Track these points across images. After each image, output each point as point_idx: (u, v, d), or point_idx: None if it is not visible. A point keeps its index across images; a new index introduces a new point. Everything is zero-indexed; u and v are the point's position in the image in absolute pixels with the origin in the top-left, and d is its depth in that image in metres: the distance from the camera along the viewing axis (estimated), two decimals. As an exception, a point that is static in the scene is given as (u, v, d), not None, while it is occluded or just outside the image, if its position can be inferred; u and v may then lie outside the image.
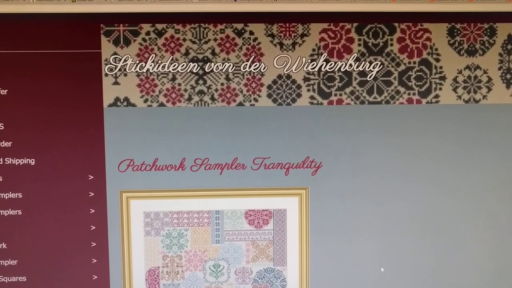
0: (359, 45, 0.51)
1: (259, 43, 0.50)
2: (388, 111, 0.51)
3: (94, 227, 0.52)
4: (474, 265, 0.54)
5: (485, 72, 0.51)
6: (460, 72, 0.51)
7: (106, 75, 0.50)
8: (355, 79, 0.51)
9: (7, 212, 0.52)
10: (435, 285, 0.54)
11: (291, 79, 0.51)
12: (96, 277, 0.53)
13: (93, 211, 0.52)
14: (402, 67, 0.51)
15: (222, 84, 0.51)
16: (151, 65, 0.50)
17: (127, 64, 0.50)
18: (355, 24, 0.51)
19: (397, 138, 0.52)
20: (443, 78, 0.51)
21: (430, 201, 0.53)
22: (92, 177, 0.52)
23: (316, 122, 0.51)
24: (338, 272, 0.53)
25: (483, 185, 0.53)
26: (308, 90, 0.51)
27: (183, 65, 0.50)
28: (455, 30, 0.51)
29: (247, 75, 0.51)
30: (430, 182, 0.53)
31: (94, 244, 0.52)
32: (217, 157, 0.51)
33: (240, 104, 0.51)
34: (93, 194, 0.52)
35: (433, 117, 0.52)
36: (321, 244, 0.53)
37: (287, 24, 0.50)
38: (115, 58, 0.50)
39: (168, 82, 0.50)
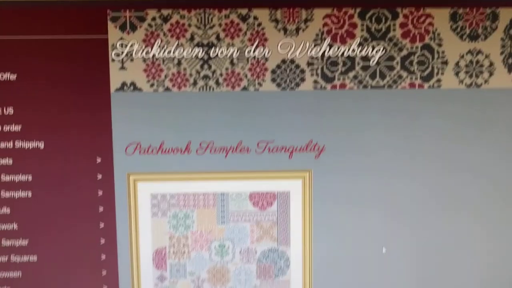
0: (362, 30, 0.51)
1: (263, 28, 0.51)
2: (390, 95, 0.52)
3: (102, 209, 0.53)
4: (479, 243, 0.54)
5: (487, 56, 0.52)
6: (462, 57, 0.52)
7: (113, 60, 0.51)
8: (358, 63, 0.52)
9: (17, 194, 0.53)
10: (438, 265, 0.55)
11: (294, 64, 0.51)
12: (104, 257, 0.54)
13: (101, 193, 0.53)
14: (405, 52, 0.52)
15: (226, 69, 0.51)
16: (157, 50, 0.51)
17: (133, 49, 0.51)
18: (358, 10, 0.51)
19: (399, 122, 0.52)
20: (445, 62, 0.52)
21: (432, 181, 0.53)
22: (100, 160, 0.53)
23: (320, 106, 0.52)
24: (341, 253, 0.54)
25: (484, 166, 0.54)
26: (312, 75, 0.52)
27: (188, 50, 0.51)
28: (458, 15, 0.51)
29: (251, 60, 0.51)
30: (432, 163, 0.53)
31: (103, 225, 0.53)
32: (222, 141, 0.52)
33: (245, 88, 0.52)
34: (101, 176, 0.53)
35: (435, 101, 0.52)
36: (323, 225, 0.54)
37: (291, 10, 0.51)
38: (121, 43, 0.51)
39: (173, 67, 0.51)
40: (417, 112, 0.52)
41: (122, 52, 0.51)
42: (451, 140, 0.53)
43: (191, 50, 0.51)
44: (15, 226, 0.53)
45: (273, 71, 0.51)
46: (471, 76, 0.52)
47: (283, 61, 0.51)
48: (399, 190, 0.53)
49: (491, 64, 0.52)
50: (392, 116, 0.52)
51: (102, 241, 0.54)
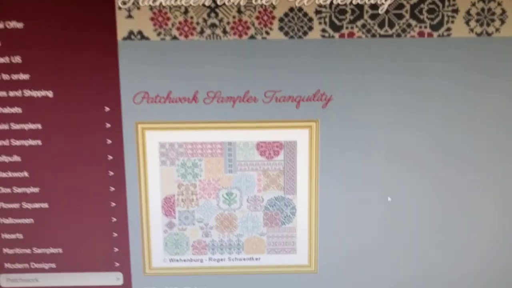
0: (372, -23, 0.50)
1: (271, -25, 0.50)
2: (399, 44, 0.51)
3: (111, 157, 0.53)
4: (482, 196, 0.54)
5: (499, 4, 0.51)
6: (473, 5, 0.51)
7: (120, 8, 0.50)
8: (367, 12, 0.51)
9: (27, 142, 0.53)
10: (442, 216, 0.54)
11: (302, 12, 0.51)
12: (114, 204, 0.55)
13: (110, 142, 0.53)
14: (414, 0, 0.51)
15: (234, 17, 0.51)
16: (163, -2, 0.50)
17: (140, -4, 0.50)
18: (368, -45, 0.50)
19: (407, 71, 0.51)
20: (455, 11, 0.51)
21: (439, 132, 0.52)
22: (108, 109, 0.52)
23: (327, 55, 0.51)
24: (346, 201, 0.54)
25: (494, 117, 0.53)
26: (320, 23, 0.51)
27: (195, -3, 0.50)
28: (470, -39, 0.50)
29: (259, 8, 0.50)
30: (440, 113, 0.52)
31: (112, 173, 0.54)
32: (229, 90, 0.51)
33: (252, 37, 0.51)
34: (109, 125, 0.53)
35: (445, 50, 0.51)
36: (329, 174, 0.53)
37: (300, -45, 0.50)
38: (128, -10, 0.50)
39: (180, 15, 0.50)
40: (426, 61, 0.51)
41: (129, 0, 0.50)
42: (460, 90, 0.52)
43: (198, -2, 0.50)
44: (26, 174, 0.54)
45: (281, 20, 0.50)
46: (482, 25, 0.51)
47: (291, 9, 0.50)
48: (406, 141, 0.52)
49: (503, 12, 0.51)
50: (400, 66, 0.51)
51: (112, 189, 0.54)
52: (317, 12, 0.50)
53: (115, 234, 0.55)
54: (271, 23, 0.50)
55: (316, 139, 0.52)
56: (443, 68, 0.51)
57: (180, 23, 0.50)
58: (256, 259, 0.55)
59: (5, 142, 0.53)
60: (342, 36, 0.51)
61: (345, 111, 0.52)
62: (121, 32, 0.50)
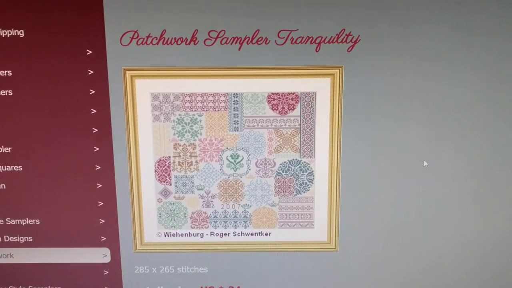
0: None
1: None
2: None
3: (94, 111, 0.46)
4: None
5: None
6: None
7: None
8: None
9: (-4, 92, 0.45)
10: (480, 181, 0.48)
11: None
12: (99, 167, 0.48)
13: (93, 91, 0.46)
14: None
15: None
16: None
17: None
18: None
19: (448, 15, 0.44)
20: None
21: (483, 86, 0.46)
22: (90, 52, 0.45)
23: (355, -15, 0.43)
24: (374, 165, 0.47)
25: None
26: None
27: None
28: None
29: None
30: (488, 69, 0.45)
31: (96, 130, 0.47)
32: (236, 29, 0.44)
33: (263, -37, 0.43)
34: (92, 72, 0.46)
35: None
36: (355, 133, 0.47)
37: None
38: None
39: None
40: (469, 4, 0.43)
41: None
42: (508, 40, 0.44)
43: None
44: (-5, 130, 0.46)
45: None
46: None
47: None
48: (447, 94, 0.46)
49: None
50: (438, 4, 0.43)
51: (96, 149, 0.47)
52: None
53: (101, 203, 0.49)
54: None
55: (339, 90, 0.46)
56: (489, 14, 0.44)
57: None
58: (266, 234, 0.50)
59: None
60: (373, -38, 0.42)
61: (375, 57, 0.45)
62: (105, -43, 0.42)
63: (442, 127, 0.46)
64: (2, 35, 0.45)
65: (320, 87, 0.46)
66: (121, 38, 0.45)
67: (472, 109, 0.46)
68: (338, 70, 0.45)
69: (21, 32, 0.45)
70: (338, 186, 0.48)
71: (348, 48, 0.45)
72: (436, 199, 0.48)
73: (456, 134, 0.47)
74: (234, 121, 0.47)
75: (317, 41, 0.45)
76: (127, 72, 0.46)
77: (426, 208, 0.48)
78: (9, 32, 0.45)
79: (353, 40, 0.45)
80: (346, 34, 0.45)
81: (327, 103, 0.46)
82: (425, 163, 0.47)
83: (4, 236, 0.50)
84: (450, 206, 0.48)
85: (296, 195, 0.48)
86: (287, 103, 0.46)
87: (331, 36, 0.45)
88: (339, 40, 0.45)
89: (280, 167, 0.48)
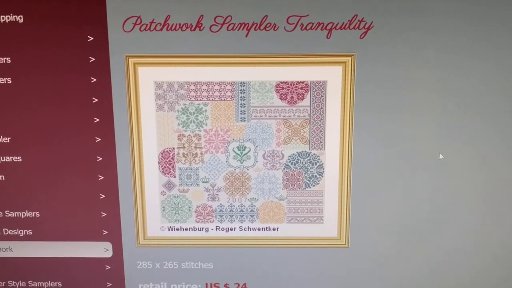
0: None
1: None
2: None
3: (96, 100, 0.45)
4: None
5: None
6: None
7: None
8: None
9: (-6, 80, 0.44)
10: (496, 175, 0.46)
11: None
12: (100, 159, 0.46)
13: (95, 80, 0.45)
14: None
15: None
16: None
17: None
18: None
19: (464, 3, 0.42)
20: None
21: (503, 79, 0.43)
22: (91, 38, 0.44)
23: (369, -31, 0.41)
24: (387, 158, 0.46)
25: None
26: None
27: None
28: None
29: None
30: (504, 56, 0.43)
31: (97, 120, 0.45)
32: (243, 15, 0.43)
33: None
34: (93, 59, 0.44)
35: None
36: (367, 125, 0.45)
37: None
38: None
39: None
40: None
41: None
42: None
43: None
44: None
45: None
46: None
47: None
48: (461, 87, 0.44)
49: None
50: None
51: (97, 139, 0.45)
52: None
53: (102, 196, 0.47)
54: None
55: (351, 79, 0.44)
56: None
57: None
58: (274, 229, 0.48)
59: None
60: None
61: (389, 44, 0.43)
62: None
63: (458, 120, 0.45)
64: (0, 21, 0.43)
65: (331, 76, 0.44)
66: (123, 24, 0.43)
67: (489, 102, 0.44)
68: (350, 58, 0.43)
69: (20, 18, 0.43)
70: (349, 179, 0.46)
71: (361, 35, 0.43)
72: (450, 194, 0.47)
73: (472, 127, 0.45)
74: (241, 111, 0.45)
75: (328, 27, 0.43)
76: (130, 59, 0.44)
77: (440, 204, 0.47)
78: (8, 18, 0.43)
79: (366, 27, 0.43)
80: (358, 20, 0.43)
81: (338, 92, 0.44)
82: (441, 156, 0.45)
83: (3, 229, 0.49)
84: (465, 202, 0.47)
85: (305, 188, 0.47)
86: (296, 92, 0.45)
87: (343, 22, 0.43)
88: (351, 27, 0.43)
89: (289, 159, 0.46)
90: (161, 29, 0.43)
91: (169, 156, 0.46)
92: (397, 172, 0.46)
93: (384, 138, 0.45)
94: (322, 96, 0.45)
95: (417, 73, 0.44)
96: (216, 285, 0.49)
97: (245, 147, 0.46)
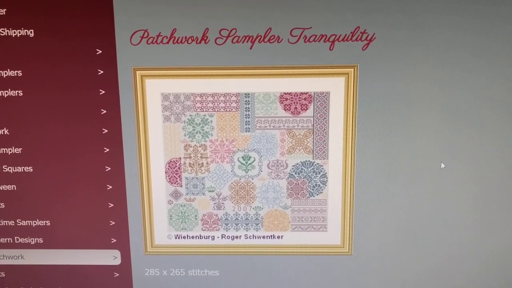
0: None
1: None
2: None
3: (104, 111, 0.46)
4: None
5: None
6: None
7: None
8: None
9: (6, 93, 0.44)
10: (497, 184, 0.46)
11: None
12: (109, 169, 0.47)
13: (103, 92, 0.45)
14: None
15: None
16: None
17: None
18: None
19: (465, 18, 0.42)
20: None
21: (504, 89, 0.44)
22: (100, 51, 0.44)
23: (370, -18, 0.42)
24: (390, 167, 0.46)
25: None
26: None
27: None
28: None
29: None
30: (504, 76, 0.43)
31: (106, 131, 0.46)
32: (247, 28, 0.43)
33: (276, -40, 0.42)
34: (102, 72, 0.45)
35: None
36: (370, 134, 0.45)
37: None
38: None
39: None
40: (488, 10, 0.42)
41: None
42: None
43: None
44: (6, 131, 0.46)
45: None
46: None
47: None
48: (463, 98, 0.44)
49: None
50: (459, 4, 0.42)
51: (106, 150, 0.46)
52: None
53: (111, 205, 0.48)
54: None
55: (354, 90, 0.45)
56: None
57: None
58: (278, 237, 0.48)
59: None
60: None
61: (391, 56, 0.43)
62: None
63: (459, 130, 0.45)
64: (12, 35, 0.44)
65: (334, 87, 0.45)
66: (131, 38, 0.44)
67: (488, 114, 0.45)
68: (352, 69, 0.44)
69: (31, 32, 0.44)
70: (352, 188, 0.46)
71: (363, 47, 0.43)
72: (452, 202, 0.47)
73: (473, 138, 0.45)
74: (246, 121, 0.46)
75: (331, 39, 0.43)
76: (137, 71, 0.45)
77: (442, 212, 0.47)
78: (19, 32, 0.44)
79: (368, 38, 0.43)
80: (361, 32, 0.43)
81: (341, 103, 0.45)
82: (443, 165, 0.45)
83: (15, 237, 0.49)
84: (467, 210, 0.47)
85: (309, 197, 0.47)
86: (300, 103, 0.45)
87: (346, 34, 0.43)
88: (354, 38, 0.43)
89: (293, 168, 0.47)
90: (167, 42, 0.44)
91: (176, 166, 0.47)
92: (399, 181, 0.46)
93: (386, 148, 0.45)
94: (325, 106, 0.45)
95: (419, 84, 0.44)
96: (222, 292, 0.50)
97: (250, 157, 0.47)
